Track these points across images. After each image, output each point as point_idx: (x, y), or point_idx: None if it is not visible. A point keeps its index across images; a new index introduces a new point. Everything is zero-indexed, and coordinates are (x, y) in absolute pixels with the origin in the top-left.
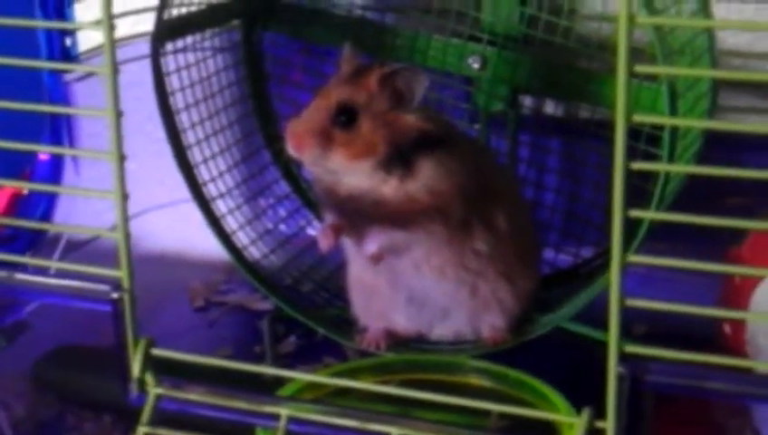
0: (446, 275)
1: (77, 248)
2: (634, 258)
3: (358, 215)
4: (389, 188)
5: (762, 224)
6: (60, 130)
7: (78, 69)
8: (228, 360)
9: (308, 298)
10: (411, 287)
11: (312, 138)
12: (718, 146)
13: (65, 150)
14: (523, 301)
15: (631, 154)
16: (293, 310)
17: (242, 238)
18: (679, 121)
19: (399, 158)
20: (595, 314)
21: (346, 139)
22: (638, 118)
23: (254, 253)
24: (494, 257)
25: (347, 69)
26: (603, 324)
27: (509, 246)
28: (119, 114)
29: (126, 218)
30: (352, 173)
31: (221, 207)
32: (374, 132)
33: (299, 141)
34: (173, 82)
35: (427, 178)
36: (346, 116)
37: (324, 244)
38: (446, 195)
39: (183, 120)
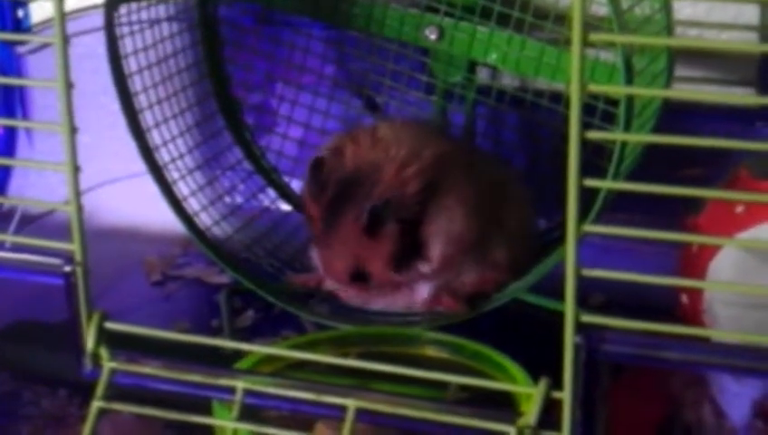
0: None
1: (31, 223)
2: (590, 228)
3: None
4: (419, 272)
5: (719, 193)
6: (13, 103)
7: (27, 39)
8: (185, 333)
9: (265, 271)
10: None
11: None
12: (673, 117)
13: (17, 122)
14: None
15: (586, 127)
16: (251, 283)
17: (194, 206)
18: (635, 90)
19: (408, 255)
20: (553, 285)
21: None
22: (594, 88)
23: (206, 220)
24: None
25: (321, 207)
26: (561, 295)
27: (520, 243)
28: (69, 85)
29: (78, 191)
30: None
31: (174, 174)
32: (382, 266)
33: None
34: (126, 45)
35: (441, 248)
36: (360, 276)
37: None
38: (460, 238)
39: (136, 84)
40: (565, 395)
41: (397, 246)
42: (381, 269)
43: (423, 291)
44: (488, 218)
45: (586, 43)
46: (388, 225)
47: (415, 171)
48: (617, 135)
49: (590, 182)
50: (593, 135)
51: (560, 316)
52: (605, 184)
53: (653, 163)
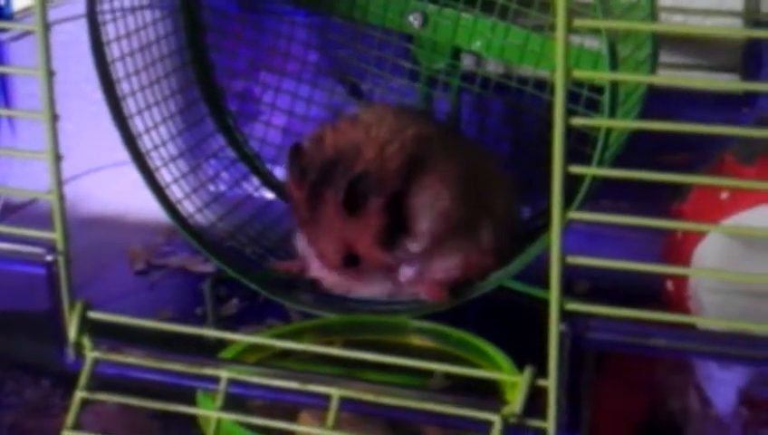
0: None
1: (14, 213)
2: (575, 215)
3: None
4: (407, 251)
5: (704, 179)
6: None
7: (8, 26)
8: (169, 323)
9: (249, 259)
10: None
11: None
12: (657, 103)
13: None
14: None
15: (571, 114)
16: (234, 271)
17: (177, 194)
18: (619, 76)
19: (396, 232)
20: (537, 273)
21: (359, 273)
22: (579, 73)
23: (189, 208)
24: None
25: (303, 192)
26: (545, 283)
27: (505, 224)
28: (50, 73)
29: (60, 180)
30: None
31: (157, 162)
32: (370, 247)
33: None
34: (108, 32)
35: (428, 225)
36: (351, 260)
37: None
38: (448, 214)
39: (118, 70)
40: (550, 383)
41: (382, 221)
42: (369, 248)
43: (409, 273)
44: (474, 201)
45: (570, 29)
46: (372, 201)
47: (396, 148)
48: (602, 121)
49: (576, 169)
50: (578, 121)
51: (544, 304)
52: (590, 171)
53: (637, 150)
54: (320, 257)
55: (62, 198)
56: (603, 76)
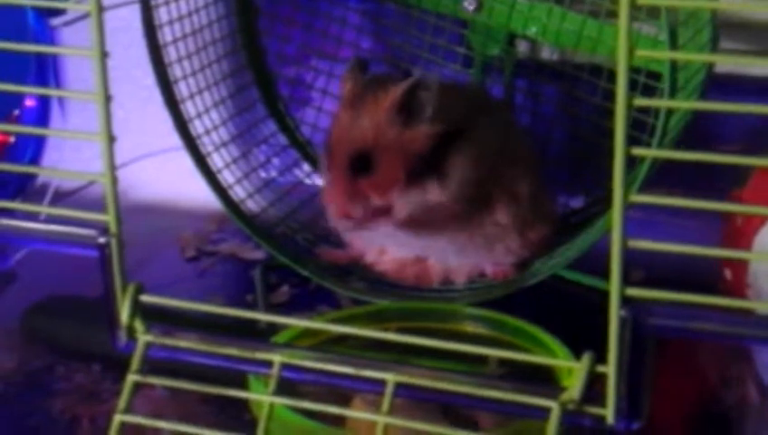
0: (462, 243)
1: (65, 198)
2: (636, 198)
3: None
4: (432, 195)
5: (765, 161)
6: (46, 74)
7: (64, 6)
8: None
9: (300, 245)
10: (421, 246)
11: (349, 203)
12: (715, 91)
13: (50, 91)
14: (531, 249)
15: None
16: (285, 257)
17: (228, 179)
18: (680, 55)
19: (428, 166)
20: (590, 263)
21: (371, 183)
22: (641, 52)
23: (240, 193)
24: (512, 220)
25: (352, 89)
26: (598, 272)
27: (526, 207)
28: (104, 54)
29: (112, 161)
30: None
31: (209, 147)
32: (392, 163)
33: (341, 211)
34: (161, 15)
35: (460, 176)
36: (362, 163)
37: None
38: (477, 181)
39: (170, 54)
40: (610, 369)
41: (424, 144)
42: (391, 166)
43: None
44: (495, 178)
45: (633, 6)
46: (425, 119)
47: (455, 95)
48: (662, 102)
49: (637, 151)
50: (640, 102)
51: (598, 293)
52: (651, 153)
53: (695, 139)
54: (329, 161)
55: (114, 180)
56: (664, 55)
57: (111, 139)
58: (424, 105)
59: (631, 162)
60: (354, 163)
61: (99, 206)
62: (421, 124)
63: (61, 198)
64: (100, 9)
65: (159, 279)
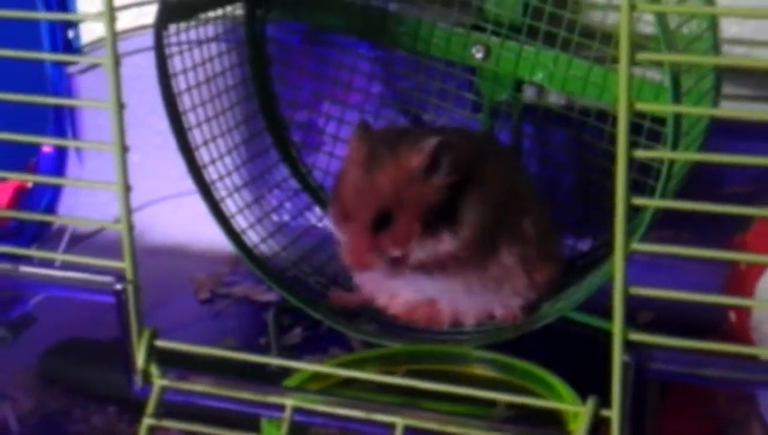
0: (470, 285)
1: (81, 242)
2: (637, 246)
3: None
4: (446, 244)
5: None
6: (63, 123)
7: (80, 60)
8: (233, 351)
9: (312, 288)
10: (432, 289)
11: (371, 257)
12: (720, 135)
13: (68, 142)
14: (539, 290)
15: (633, 146)
16: (298, 300)
17: (242, 223)
18: (682, 109)
19: (441, 214)
20: (597, 304)
21: (390, 237)
22: (641, 105)
23: (253, 238)
24: (518, 261)
25: (363, 150)
26: (606, 313)
27: (532, 248)
28: (121, 105)
29: (129, 209)
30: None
31: (222, 192)
32: (410, 216)
33: (362, 263)
34: (175, 64)
35: (472, 224)
36: (383, 221)
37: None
38: (487, 227)
39: (185, 102)
40: (614, 413)
41: (439, 197)
42: (411, 220)
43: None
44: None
45: (633, 63)
46: (440, 171)
47: (465, 143)
48: (663, 153)
49: (638, 200)
50: (640, 154)
51: (606, 334)
52: (653, 202)
53: (700, 182)
54: (346, 217)
55: (131, 227)
56: (665, 108)
57: (128, 188)
58: (443, 161)
59: (635, 208)
60: (376, 223)
61: (115, 249)
62: (438, 177)
63: (78, 240)
64: (117, 62)
65: (174, 321)
